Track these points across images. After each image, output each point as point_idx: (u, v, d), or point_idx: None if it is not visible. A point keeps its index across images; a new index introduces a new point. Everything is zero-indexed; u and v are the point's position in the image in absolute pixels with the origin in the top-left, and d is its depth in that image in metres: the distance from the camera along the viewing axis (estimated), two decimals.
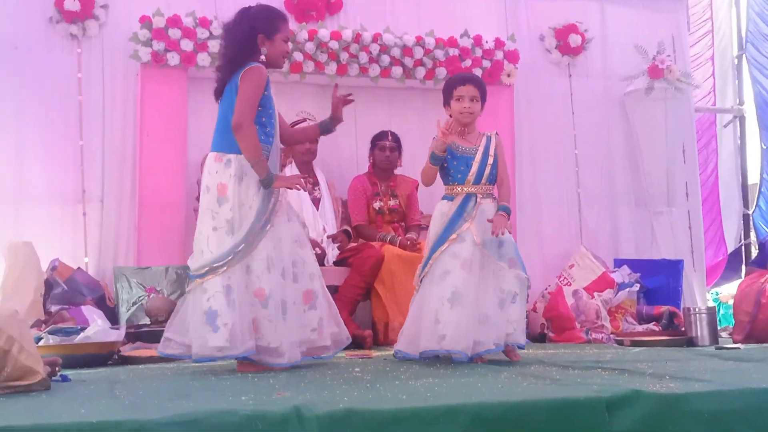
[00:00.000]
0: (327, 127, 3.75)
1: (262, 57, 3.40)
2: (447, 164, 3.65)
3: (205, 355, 3.17)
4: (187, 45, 5.03)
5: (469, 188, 3.60)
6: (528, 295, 3.68)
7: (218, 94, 3.44)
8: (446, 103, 3.75)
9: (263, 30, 3.39)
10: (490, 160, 3.63)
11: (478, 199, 3.59)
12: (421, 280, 3.62)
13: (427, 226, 5.42)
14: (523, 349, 3.66)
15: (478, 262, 3.52)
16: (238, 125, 3.26)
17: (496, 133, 3.74)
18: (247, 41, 3.36)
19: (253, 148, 3.27)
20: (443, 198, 3.68)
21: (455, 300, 3.45)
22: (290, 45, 3.59)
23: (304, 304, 3.38)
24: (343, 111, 3.73)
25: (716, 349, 4.26)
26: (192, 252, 3.37)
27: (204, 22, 5.09)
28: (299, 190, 3.46)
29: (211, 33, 5.08)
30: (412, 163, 5.61)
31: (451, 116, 3.72)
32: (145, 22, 5.01)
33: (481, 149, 3.64)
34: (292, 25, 5.37)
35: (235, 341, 3.13)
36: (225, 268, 3.18)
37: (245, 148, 3.27)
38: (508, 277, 3.55)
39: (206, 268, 3.20)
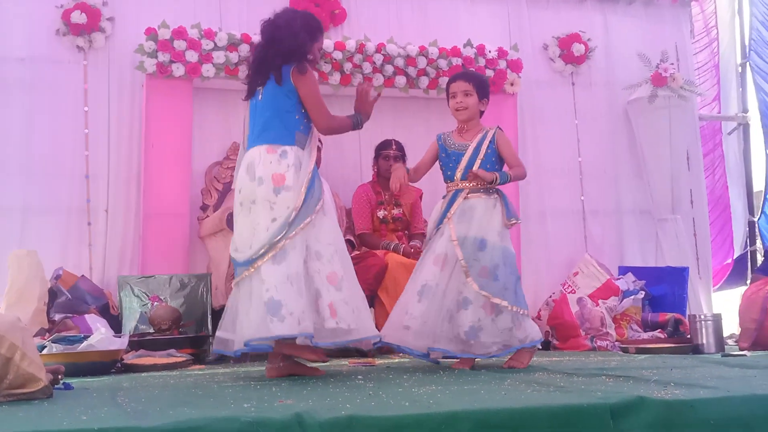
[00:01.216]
0: (359, 122, 3.66)
1: (310, 57, 3.46)
2: (441, 162, 3.69)
3: (263, 340, 3.16)
4: (192, 56, 5.05)
5: (457, 184, 3.62)
6: (516, 308, 3.55)
7: (251, 91, 3.45)
8: (448, 103, 3.78)
9: (311, 33, 3.44)
10: (481, 155, 3.61)
11: (464, 194, 3.58)
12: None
13: None
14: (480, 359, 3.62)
15: (452, 258, 3.53)
16: (327, 128, 3.48)
17: (498, 128, 3.73)
18: (299, 39, 3.39)
19: (348, 126, 3.55)
20: (443, 197, 3.72)
21: (423, 293, 3.49)
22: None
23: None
24: (371, 106, 3.68)
25: (722, 356, 4.23)
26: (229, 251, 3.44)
27: (209, 34, 5.11)
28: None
29: (215, 44, 5.10)
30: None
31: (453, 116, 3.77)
32: (151, 33, 5.03)
33: (473, 145, 3.64)
34: None
35: (302, 324, 3.13)
36: (283, 242, 3.17)
37: (346, 131, 3.58)
38: (468, 285, 3.50)
39: (265, 247, 3.18)
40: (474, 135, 3.69)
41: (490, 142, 3.65)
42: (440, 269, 3.50)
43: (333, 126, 3.49)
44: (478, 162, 3.60)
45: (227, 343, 3.28)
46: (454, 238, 3.51)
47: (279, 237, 3.19)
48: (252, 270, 3.21)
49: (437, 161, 3.76)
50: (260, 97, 3.42)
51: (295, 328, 3.11)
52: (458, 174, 3.61)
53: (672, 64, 6.06)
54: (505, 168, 3.68)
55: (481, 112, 3.75)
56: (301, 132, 3.38)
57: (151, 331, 4.54)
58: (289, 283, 3.15)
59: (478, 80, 3.73)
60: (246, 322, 3.17)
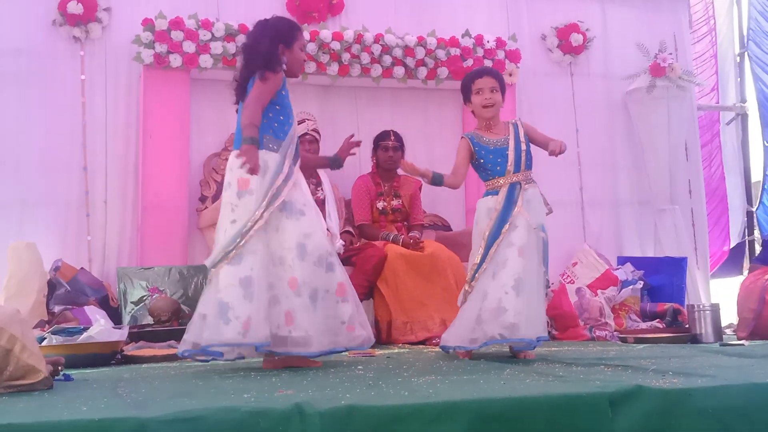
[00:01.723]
0: (337, 164, 3.80)
1: (284, 66, 3.45)
2: (483, 160, 3.63)
3: (214, 346, 3.16)
4: (189, 47, 5.04)
5: (511, 178, 3.57)
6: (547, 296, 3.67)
7: (240, 98, 3.47)
8: (466, 99, 3.75)
9: (283, 40, 3.44)
10: (524, 147, 3.62)
11: (523, 186, 3.57)
12: (479, 276, 3.55)
13: (429, 225, 5.48)
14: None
15: (534, 246, 3.51)
16: (244, 119, 3.32)
17: (519, 119, 3.75)
18: (272, 52, 3.40)
19: (250, 132, 3.30)
20: (485, 194, 3.64)
21: (519, 288, 3.41)
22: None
23: (338, 296, 3.35)
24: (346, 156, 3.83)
25: (720, 345, 4.24)
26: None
27: (206, 24, 5.10)
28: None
29: (213, 35, 5.10)
30: (414, 162, 5.59)
31: (473, 112, 3.73)
32: (148, 24, 5.02)
33: (512, 138, 3.63)
34: None
35: (248, 333, 3.12)
36: (234, 251, 3.19)
37: (250, 139, 3.29)
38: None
39: (224, 250, 3.21)
40: (504, 129, 3.68)
41: (523, 133, 3.66)
42: (528, 261, 3.47)
43: (247, 121, 3.31)
44: (524, 155, 3.60)
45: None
46: (535, 226, 3.51)
47: (237, 240, 3.21)
48: (212, 273, 3.25)
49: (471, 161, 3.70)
50: (238, 109, 3.49)
51: (239, 336, 3.11)
52: (510, 168, 3.57)
53: (670, 54, 6.06)
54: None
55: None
56: (271, 135, 3.37)
57: (151, 322, 4.54)
58: (239, 286, 3.16)
59: (501, 78, 3.75)
60: (199, 326, 3.20)
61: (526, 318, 3.38)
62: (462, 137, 3.71)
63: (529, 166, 3.64)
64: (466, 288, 3.60)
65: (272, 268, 3.25)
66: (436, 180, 3.63)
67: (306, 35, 5.24)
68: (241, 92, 3.46)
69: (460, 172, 3.69)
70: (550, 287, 3.69)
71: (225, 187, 3.39)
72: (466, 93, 3.74)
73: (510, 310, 3.38)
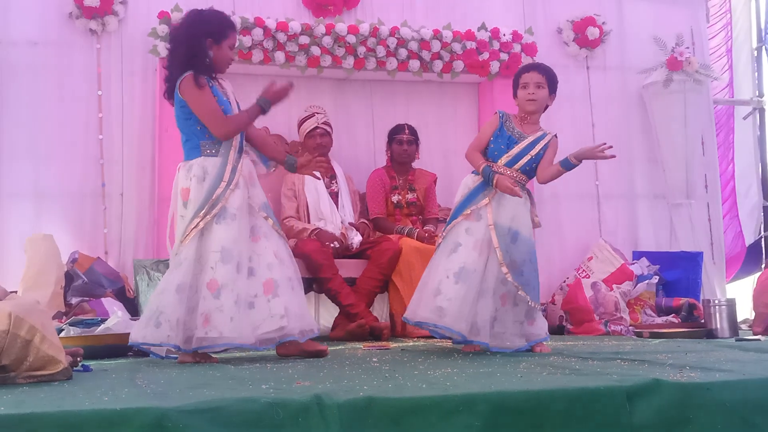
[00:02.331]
0: (262, 104, 3.54)
1: (207, 60, 3.42)
2: (492, 139, 3.62)
3: (139, 345, 3.35)
4: None
5: (499, 168, 3.56)
6: (535, 302, 3.57)
7: (170, 94, 3.48)
8: (515, 94, 3.73)
9: (212, 34, 3.42)
10: (533, 152, 3.59)
11: None
12: (437, 248, 3.62)
13: (445, 219, 5.47)
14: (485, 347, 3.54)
15: (488, 245, 3.50)
16: (224, 134, 3.37)
17: (555, 135, 3.69)
18: (197, 43, 3.39)
19: (245, 122, 3.43)
20: (473, 171, 3.65)
21: (461, 276, 3.43)
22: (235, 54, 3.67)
23: (266, 294, 3.35)
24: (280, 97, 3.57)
25: (736, 340, 4.23)
26: None
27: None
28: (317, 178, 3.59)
29: None
30: (430, 156, 5.64)
31: (519, 105, 3.70)
32: (164, 17, 5.04)
33: (530, 139, 3.61)
34: (309, 19, 5.40)
35: (171, 334, 3.25)
36: (178, 250, 3.32)
37: (245, 126, 3.45)
38: (498, 272, 3.49)
39: (171, 255, 3.38)
40: (534, 130, 3.66)
41: (545, 144, 3.63)
42: (479, 255, 3.47)
43: (230, 130, 3.37)
44: (527, 158, 3.58)
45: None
46: (490, 223, 3.49)
47: (178, 246, 3.33)
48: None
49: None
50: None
51: (164, 338, 3.26)
52: (503, 159, 3.56)
53: (687, 48, 6.02)
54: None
55: (546, 107, 3.73)
56: (208, 140, 3.39)
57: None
58: (175, 292, 3.26)
59: (550, 74, 3.69)
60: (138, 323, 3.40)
61: (457, 309, 3.39)
62: (496, 112, 3.70)
63: (524, 171, 3.60)
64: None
65: (199, 274, 3.30)
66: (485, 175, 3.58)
67: (321, 28, 5.24)
68: (170, 92, 3.45)
69: (482, 145, 3.65)
70: (536, 300, 3.56)
71: (173, 201, 3.46)
72: (515, 87, 3.72)
73: (443, 293, 3.42)
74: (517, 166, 3.58)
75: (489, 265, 3.49)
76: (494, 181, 3.51)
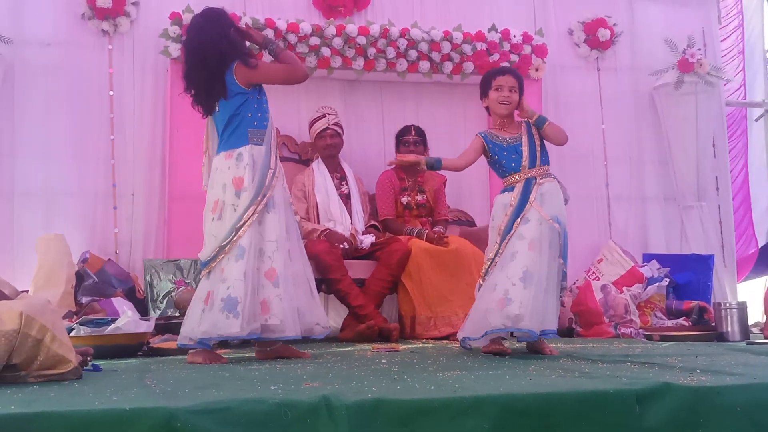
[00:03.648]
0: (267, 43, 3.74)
1: (247, 44, 3.55)
2: (497, 157, 3.67)
3: (215, 339, 3.33)
4: None
5: (527, 173, 3.61)
6: (564, 288, 3.66)
7: (210, 110, 3.54)
8: (483, 95, 3.77)
9: (231, 25, 3.54)
10: (538, 142, 3.66)
11: (538, 180, 3.60)
12: (491, 270, 3.60)
13: (454, 221, 5.48)
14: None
15: (547, 239, 3.51)
16: (303, 74, 3.60)
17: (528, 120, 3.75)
18: (226, 40, 3.46)
19: (292, 56, 3.64)
20: (503, 191, 3.68)
21: (527, 279, 3.43)
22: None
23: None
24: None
25: (747, 344, 4.21)
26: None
27: (233, 19, 5.10)
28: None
29: None
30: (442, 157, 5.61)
31: (487, 108, 3.76)
32: (175, 18, 5.05)
33: (525, 134, 3.67)
34: (320, 20, 5.41)
35: (245, 325, 3.25)
36: (229, 246, 3.32)
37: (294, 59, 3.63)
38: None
39: (216, 251, 3.35)
40: (517, 127, 3.72)
41: (535, 130, 3.69)
42: (538, 254, 3.48)
43: (301, 66, 3.60)
44: (538, 150, 3.65)
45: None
46: (548, 218, 3.52)
47: (231, 235, 3.33)
48: (213, 265, 3.37)
49: (479, 158, 3.76)
50: (218, 108, 3.52)
51: (246, 328, 3.25)
52: (525, 164, 3.61)
53: (699, 49, 6.00)
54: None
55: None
56: (256, 128, 3.45)
57: (177, 314, 4.57)
58: (245, 281, 3.28)
59: (521, 79, 3.78)
60: (198, 319, 3.33)
61: (531, 310, 3.40)
62: (476, 135, 3.74)
63: (544, 161, 3.67)
64: (480, 282, 3.66)
65: (257, 261, 3.36)
66: (430, 164, 3.70)
67: (331, 29, 5.25)
68: (214, 92, 3.46)
69: (466, 158, 3.74)
70: (566, 280, 3.67)
71: (218, 190, 3.45)
72: (485, 88, 3.77)
73: (515, 301, 3.42)
74: (538, 163, 3.64)
75: (548, 260, 3.51)
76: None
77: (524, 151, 3.63)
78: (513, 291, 3.44)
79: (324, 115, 5.11)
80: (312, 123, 5.18)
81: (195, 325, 3.32)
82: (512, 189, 3.62)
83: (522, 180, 3.61)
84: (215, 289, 3.33)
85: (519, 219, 3.55)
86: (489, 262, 3.61)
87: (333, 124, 5.11)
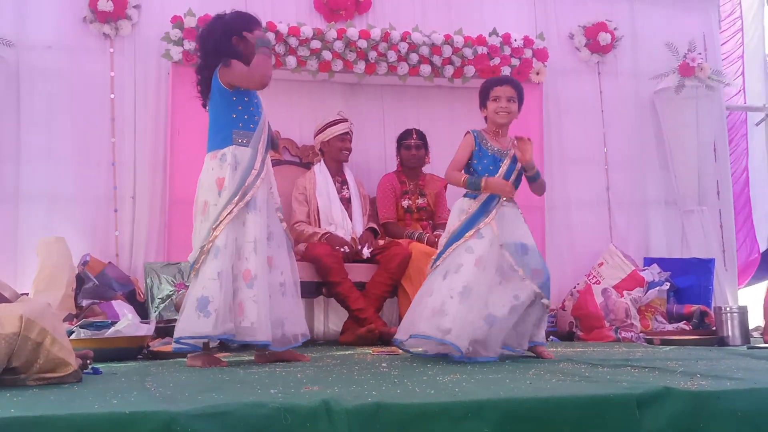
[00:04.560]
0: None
1: (237, 56, 3.50)
2: (476, 161, 3.64)
3: (186, 338, 3.31)
4: None
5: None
6: (546, 307, 3.60)
7: (205, 95, 3.58)
8: (482, 104, 3.74)
9: (237, 32, 3.50)
10: (518, 167, 3.63)
11: (501, 201, 3.57)
12: (432, 271, 3.61)
13: None
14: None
15: (494, 263, 3.49)
16: (259, 80, 3.43)
17: (529, 139, 3.70)
18: (224, 45, 3.48)
19: (264, 61, 3.43)
20: (465, 195, 3.65)
21: (465, 295, 3.42)
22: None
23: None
24: None
25: (748, 348, 4.21)
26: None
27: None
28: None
29: None
30: (441, 161, 5.59)
31: (486, 118, 3.72)
32: (177, 21, 5.06)
33: (512, 153, 3.63)
34: (321, 24, 5.41)
35: (217, 325, 3.25)
36: (208, 245, 3.32)
37: (267, 62, 3.46)
38: (525, 288, 3.50)
39: (198, 253, 3.37)
40: (508, 142, 3.69)
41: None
42: (482, 272, 3.47)
43: (263, 73, 3.42)
44: (515, 173, 3.62)
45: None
46: (500, 243, 3.50)
47: (209, 234, 3.34)
48: (197, 267, 3.37)
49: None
50: (207, 108, 3.60)
51: (218, 327, 3.25)
52: (497, 177, 3.58)
53: (699, 53, 6.00)
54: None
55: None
56: (241, 129, 3.46)
57: (177, 317, 4.57)
58: (218, 280, 3.28)
59: (520, 89, 3.73)
60: (181, 320, 3.36)
61: (461, 326, 3.37)
62: (467, 132, 3.71)
63: (516, 185, 3.65)
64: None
65: (236, 261, 3.36)
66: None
67: (332, 33, 5.25)
68: (206, 90, 3.54)
69: (461, 166, 3.69)
70: (548, 308, 3.61)
71: (205, 190, 3.48)
72: (483, 98, 3.73)
73: (449, 315, 3.40)
74: (510, 181, 3.61)
75: (490, 283, 3.48)
76: (482, 185, 3.55)
77: (502, 167, 3.60)
78: (449, 303, 3.42)
79: (345, 119, 5.13)
80: (330, 125, 5.14)
81: (190, 321, 3.33)
82: (474, 197, 3.60)
83: (486, 193, 3.57)
84: (191, 290, 3.37)
85: (472, 231, 3.52)
86: (433, 262, 3.62)
87: (350, 130, 5.14)
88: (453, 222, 3.62)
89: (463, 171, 3.68)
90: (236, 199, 3.36)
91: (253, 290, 3.33)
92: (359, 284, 4.83)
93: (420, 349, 3.62)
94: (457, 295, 3.42)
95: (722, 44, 6.86)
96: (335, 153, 5.11)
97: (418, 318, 3.52)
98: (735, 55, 7.16)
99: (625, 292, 5.13)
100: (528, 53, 5.63)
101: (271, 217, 3.53)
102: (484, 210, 3.55)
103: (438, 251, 3.65)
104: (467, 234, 3.53)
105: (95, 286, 4.56)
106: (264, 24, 5.12)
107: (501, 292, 3.49)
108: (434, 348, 3.52)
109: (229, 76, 3.45)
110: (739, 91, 7.12)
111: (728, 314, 4.63)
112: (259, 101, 3.58)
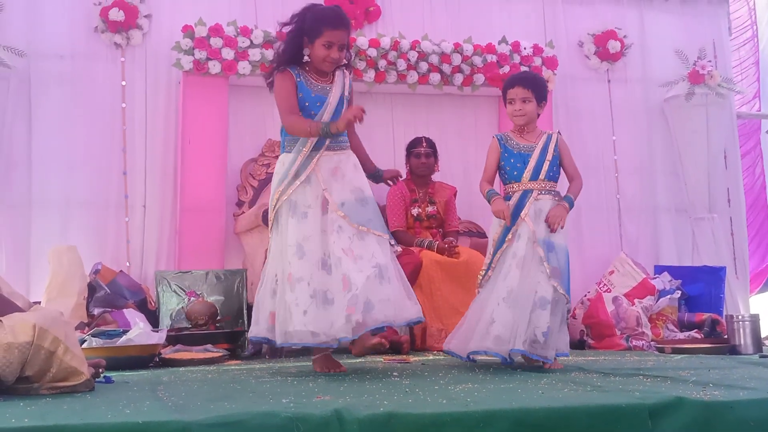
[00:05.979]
0: (375, 177, 3.75)
1: (306, 58, 3.47)
2: (503, 163, 3.64)
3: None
4: (228, 53, 5.09)
5: (525, 185, 3.58)
6: (568, 311, 3.62)
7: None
8: (505, 106, 3.75)
9: (308, 32, 3.43)
10: (549, 157, 3.60)
11: (535, 195, 3.55)
12: (483, 283, 3.60)
13: (464, 232, 5.48)
14: (549, 363, 3.44)
15: (531, 259, 3.49)
16: (287, 127, 3.45)
17: (558, 132, 3.73)
18: (294, 40, 3.46)
19: (305, 131, 3.37)
20: (504, 198, 3.64)
21: (510, 300, 3.43)
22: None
23: (343, 290, 3.27)
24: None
25: (760, 357, 4.18)
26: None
27: (245, 31, 5.14)
28: (360, 121, 3.38)
29: (251, 42, 5.14)
30: (450, 169, 5.63)
31: (510, 118, 3.73)
32: (188, 31, 5.08)
33: (539, 146, 3.62)
34: None
35: (272, 329, 3.31)
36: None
37: (300, 132, 3.39)
38: (544, 284, 3.47)
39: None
40: (537, 137, 3.66)
41: (555, 145, 3.64)
42: (522, 272, 3.47)
43: (288, 126, 3.42)
44: (546, 164, 3.59)
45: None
46: (535, 239, 3.49)
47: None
48: None
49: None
50: None
51: (266, 331, 3.40)
52: (526, 175, 3.57)
53: (710, 61, 5.99)
54: (571, 193, 3.67)
55: (538, 115, 3.71)
56: (290, 136, 3.46)
57: (189, 326, 4.59)
58: (268, 284, 3.43)
59: (535, 84, 3.67)
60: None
61: (510, 331, 3.39)
62: (493, 137, 3.73)
63: (550, 177, 3.61)
64: (478, 290, 3.66)
65: (284, 265, 3.33)
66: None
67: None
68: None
69: (491, 174, 3.70)
70: (569, 303, 3.61)
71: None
72: (504, 100, 3.75)
73: (497, 322, 3.42)
74: (542, 176, 3.59)
75: (526, 278, 3.48)
76: (492, 203, 3.57)
77: (531, 162, 3.59)
78: (497, 311, 3.45)
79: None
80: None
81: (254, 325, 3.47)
82: (509, 198, 3.60)
83: (519, 191, 3.58)
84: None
85: (511, 234, 3.52)
86: (483, 273, 3.61)
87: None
88: (495, 228, 3.62)
89: (495, 177, 3.69)
90: (273, 206, 3.41)
91: (295, 294, 3.25)
92: None
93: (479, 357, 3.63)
94: (503, 301, 3.46)
95: (736, 50, 6.85)
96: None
97: (474, 333, 3.52)
98: (749, 62, 7.15)
99: (636, 301, 5.11)
100: (537, 61, 5.63)
101: (330, 214, 3.36)
102: (519, 208, 3.55)
103: (485, 262, 3.63)
104: (508, 237, 3.53)
105: (107, 295, 4.57)
106: (274, 33, 5.17)
107: (530, 287, 3.47)
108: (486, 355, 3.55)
109: (274, 89, 3.50)
110: (754, 96, 7.11)
111: (740, 323, 4.61)
112: (320, 98, 3.46)
